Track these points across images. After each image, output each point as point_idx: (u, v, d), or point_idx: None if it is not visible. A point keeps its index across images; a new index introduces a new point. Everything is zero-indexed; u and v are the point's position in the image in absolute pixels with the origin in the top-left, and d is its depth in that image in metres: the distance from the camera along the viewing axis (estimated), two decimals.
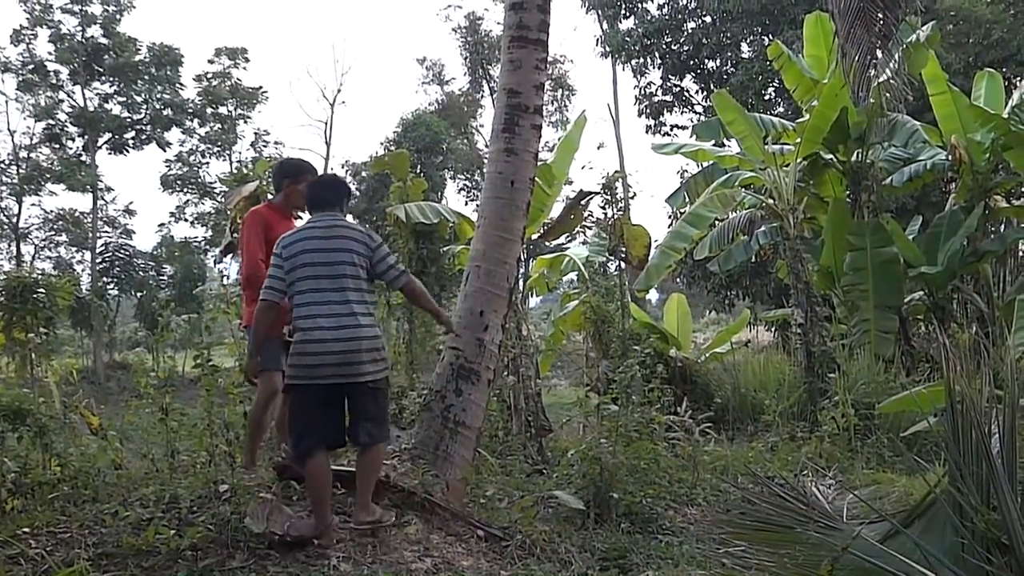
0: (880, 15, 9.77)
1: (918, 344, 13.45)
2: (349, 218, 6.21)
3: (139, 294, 39.76)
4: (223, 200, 36.81)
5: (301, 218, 6.81)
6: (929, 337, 13.30)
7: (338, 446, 5.80)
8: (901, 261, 13.27)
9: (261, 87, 42.87)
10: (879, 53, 10.71)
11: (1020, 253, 16.62)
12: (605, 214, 11.74)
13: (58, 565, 4.80)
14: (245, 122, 42.90)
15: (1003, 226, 15.08)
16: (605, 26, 36.20)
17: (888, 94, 13.24)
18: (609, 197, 11.56)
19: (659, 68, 32.49)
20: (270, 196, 8.16)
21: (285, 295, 5.56)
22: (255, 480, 5.89)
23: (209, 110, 41.47)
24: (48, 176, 37.89)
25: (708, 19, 30.93)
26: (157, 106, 39.73)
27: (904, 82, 13.57)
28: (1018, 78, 15.32)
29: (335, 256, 5.55)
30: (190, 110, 40.73)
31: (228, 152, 41.69)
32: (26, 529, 5.21)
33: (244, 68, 42.25)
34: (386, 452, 6.12)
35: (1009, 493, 4.24)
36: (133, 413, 6.99)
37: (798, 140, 13.48)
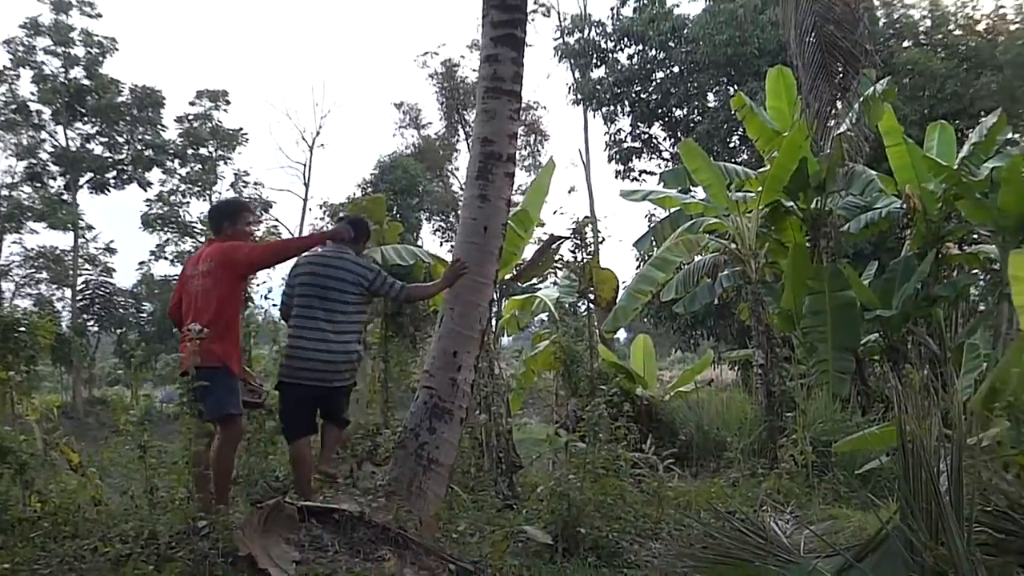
0: (840, 68, 9.92)
1: (873, 384, 13.54)
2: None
3: (119, 331, 39.49)
4: (203, 239, 36.74)
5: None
6: (884, 377, 13.40)
7: (312, 433, 7.02)
8: (858, 305, 13.38)
9: (241, 129, 42.78)
10: (839, 105, 10.88)
11: (971, 298, 16.82)
12: (575, 257, 11.78)
13: None
14: (225, 163, 42.78)
15: (955, 272, 15.23)
16: (577, 74, 36.50)
17: (847, 145, 13.41)
18: (579, 241, 11.62)
19: (628, 116, 32.82)
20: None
21: (290, 311, 6.91)
22: (233, 516, 5.89)
23: (190, 151, 41.19)
24: (29, 214, 37.53)
25: (676, 69, 31.26)
26: (139, 147, 39.44)
27: (862, 133, 13.78)
28: (970, 130, 15.53)
29: (327, 283, 6.80)
30: (171, 151, 40.43)
31: (208, 192, 41.46)
32: (6, 565, 5.18)
33: (225, 110, 42.10)
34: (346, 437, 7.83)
35: (956, 530, 4.32)
36: (112, 449, 6.98)
37: (760, 188, 13.62)
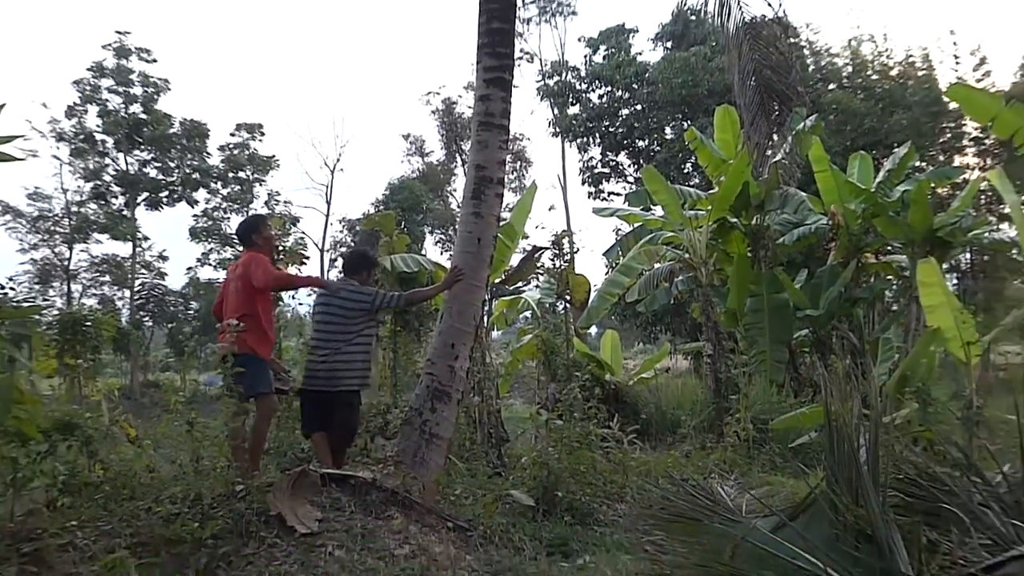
0: (776, 107, 9.92)
1: (804, 372, 13.55)
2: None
3: (170, 325, 39.44)
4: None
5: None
6: (813, 366, 13.41)
7: (323, 430, 6.95)
8: (791, 305, 13.40)
9: (274, 156, 42.54)
10: (775, 137, 10.89)
11: (885, 300, 16.87)
12: (554, 265, 11.77)
13: (101, 553, 4.76)
14: (260, 184, 42.55)
15: (872, 278, 15.28)
16: (556, 111, 36.64)
17: (781, 171, 13.45)
18: (557, 251, 11.61)
19: (599, 146, 32.90)
20: (280, 247, 8.29)
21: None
22: (266, 480, 5.88)
23: (230, 174, 40.99)
24: (95, 227, 37.40)
25: (639, 107, 31.30)
26: (187, 171, 39.33)
27: (794, 162, 13.81)
28: (884, 159, 15.56)
29: (334, 310, 7.02)
30: (214, 174, 40.30)
31: (246, 209, 41.25)
32: (74, 522, 5.15)
33: (260, 140, 41.89)
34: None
35: (873, 494, 4.32)
36: (164, 425, 6.93)
37: (709, 207, 13.62)
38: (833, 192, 13.93)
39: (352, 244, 38.33)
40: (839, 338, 12.77)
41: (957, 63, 25.38)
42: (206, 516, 5.14)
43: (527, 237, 11.96)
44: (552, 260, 11.74)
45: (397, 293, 7.32)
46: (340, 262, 8.17)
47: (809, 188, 15.05)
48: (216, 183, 40.74)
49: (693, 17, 30.46)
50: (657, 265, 15.24)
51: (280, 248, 8.20)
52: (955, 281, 23.03)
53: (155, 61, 38.61)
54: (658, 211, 14.87)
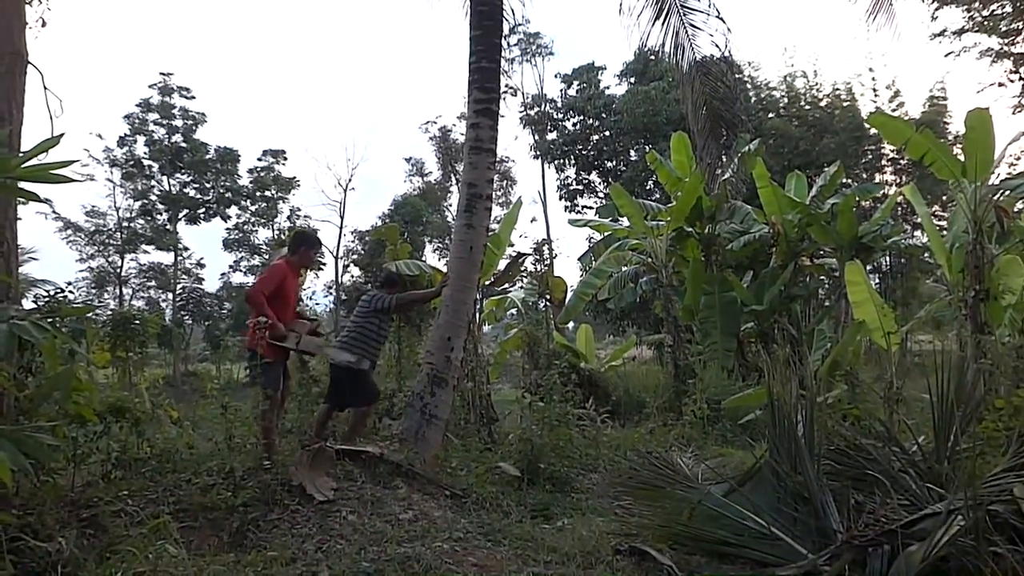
0: (724, 132, 9.94)
1: (750, 359, 13.57)
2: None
3: (207, 323, 39.32)
4: (268, 257, 36.67)
5: (304, 275, 7.12)
6: (757, 354, 13.43)
7: (337, 405, 7.23)
8: (739, 302, 13.40)
9: (295, 177, 42.16)
10: (724, 159, 10.91)
11: (819, 297, 16.93)
12: (536, 268, 11.82)
13: (148, 518, 4.74)
14: (283, 202, 42.27)
15: (807, 278, 15.29)
16: (536, 137, 36.62)
17: (729, 187, 13.49)
18: (539, 257, 11.67)
19: (574, 166, 32.89)
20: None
21: None
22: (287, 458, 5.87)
23: (258, 193, 40.89)
24: (142, 240, 37.28)
25: (607, 133, 31.36)
26: (221, 191, 39.14)
27: (740, 179, 13.86)
28: (817, 176, 15.58)
29: (358, 310, 7.33)
30: (244, 194, 40.07)
31: (271, 223, 41.18)
32: (125, 492, 5.14)
33: (283, 163, 41.70)
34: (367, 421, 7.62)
35: (810, 462, 4.34)
36: (202, 408, 6.90)
37: (668, 218, 13.60)
38: (774, 205, 13.95)
39: (362, 252, 38.16)
40: (780, 330, 12.77)
41: (876, 95, 25.46)
42: (238, 486, 5.12)
43: (512, 245, 11.99)
44: (534, 264, 11.83)
45: (391, 296, 7.32)
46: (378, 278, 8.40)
47: (753, 202, 15.07)
48: (245, 201, 40.52)
49: (653, 57, 30.38)
50: (624, 268, 15.25)
51: (317, 266, 8.13)
52: (877, 280, 23.09)
53: (194, 97, 38.52)
54: (625, 222, 14.87)
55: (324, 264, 38.20)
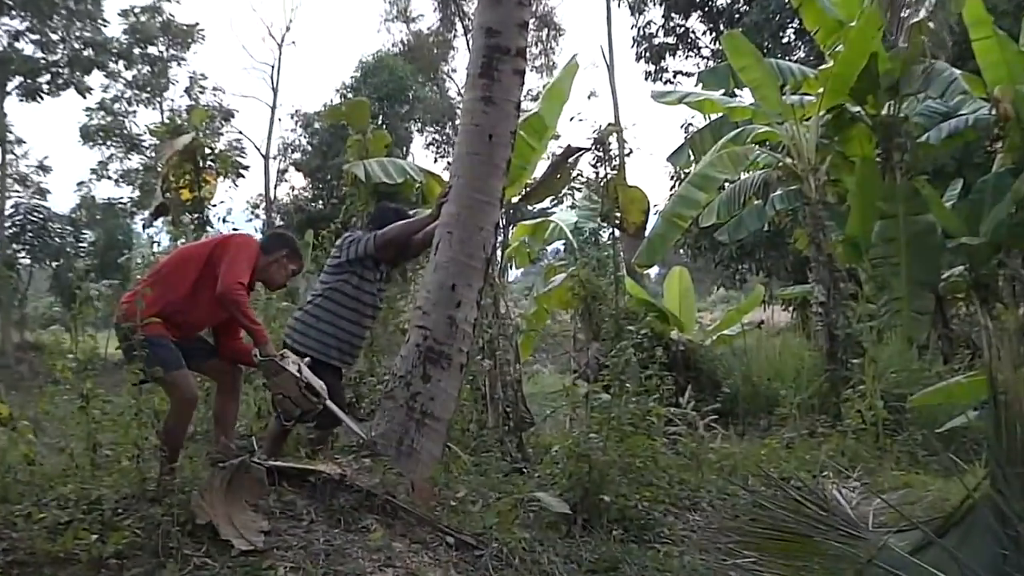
0: None
1: (957, 327, 13.51)
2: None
3: (55, 264, 39.44)
4: (153, 155, 36.67)
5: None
6: (970, 319, 13.35)
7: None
8: (939, 231, 13.29)
9: (197, 24, 42.66)
10: None
11: None
12: (596, 174, 11.73)
13: None
14: (178, 64, 42.76)
15: None
16: None
17: (926, 37, 13.26)
18: (601, 154, 11.56)
19: (661, 5, 32.47)
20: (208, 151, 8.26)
21: None
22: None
23: (137, 50, 41.03)
24: None
25: None
26: (76, 45, 39.04)
27: (944, 24, 13.60)
28: None
29: (327, 268, 7.66)
30: (114, 50, 40.14)
31: (159, 99, 41.50)
32: None
33: (178, 2, 42.13)
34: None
35: None
36: (48, 401, 6.95)
37: (820, 90, 13.49)
38: (1000, 68, 13.73)
39: (308, 148, 38.30)
40: (1008, 279, 12.64)
41: None
42: (108, 525, 5.16)
43: (558, 136, 11.92)
44: (594, 167, 11.69)
45: (369, 236, 7.32)
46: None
47: (965, 63, 14.86)
48: (117, 63, 40.80)
49: None
50: (745, 175, 15.18)
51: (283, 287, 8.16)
52: None
53: None
54: (746, 96, 14.76)
55: (246, 167, 38.37)
